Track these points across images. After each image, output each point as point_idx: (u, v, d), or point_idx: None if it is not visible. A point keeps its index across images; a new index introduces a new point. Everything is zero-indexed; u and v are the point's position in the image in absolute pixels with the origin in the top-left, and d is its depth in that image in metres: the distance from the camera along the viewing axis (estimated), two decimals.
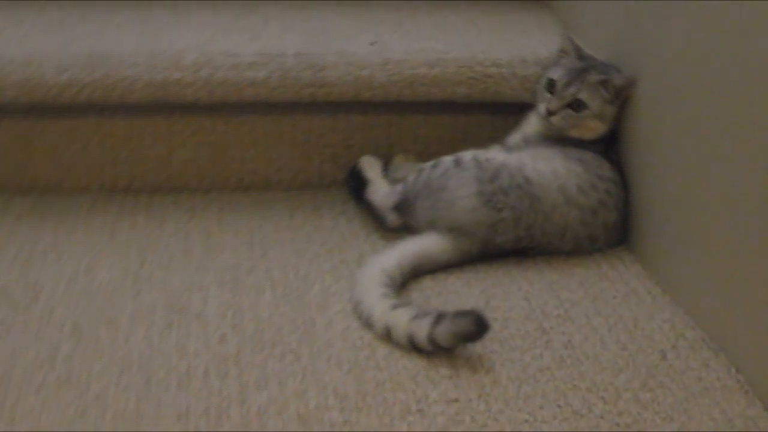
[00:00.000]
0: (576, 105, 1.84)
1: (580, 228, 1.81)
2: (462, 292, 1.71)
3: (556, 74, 1.87)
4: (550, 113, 1.86)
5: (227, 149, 2.04)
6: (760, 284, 1.45)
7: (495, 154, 1.84)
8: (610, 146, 1.89)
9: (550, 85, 1.87)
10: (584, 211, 1.81)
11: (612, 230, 1.85)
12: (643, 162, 1.81)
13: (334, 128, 2.05)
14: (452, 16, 2.24)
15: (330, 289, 1.71)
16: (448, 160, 1.83)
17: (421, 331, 1.52)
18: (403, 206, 1.85)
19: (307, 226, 1.93)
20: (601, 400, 1.45)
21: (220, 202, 2.01)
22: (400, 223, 1.86)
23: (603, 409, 1.43)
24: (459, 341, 1.52)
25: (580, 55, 1.89)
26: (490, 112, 2.07)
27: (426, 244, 1.77)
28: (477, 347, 1.55)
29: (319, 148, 2.05)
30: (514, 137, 1.94)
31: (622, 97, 1.84)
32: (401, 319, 1.55)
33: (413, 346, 1.53)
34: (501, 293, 1.71)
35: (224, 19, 2.16)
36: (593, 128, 1.86)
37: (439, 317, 1.51)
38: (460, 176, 1.79)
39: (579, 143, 1.87)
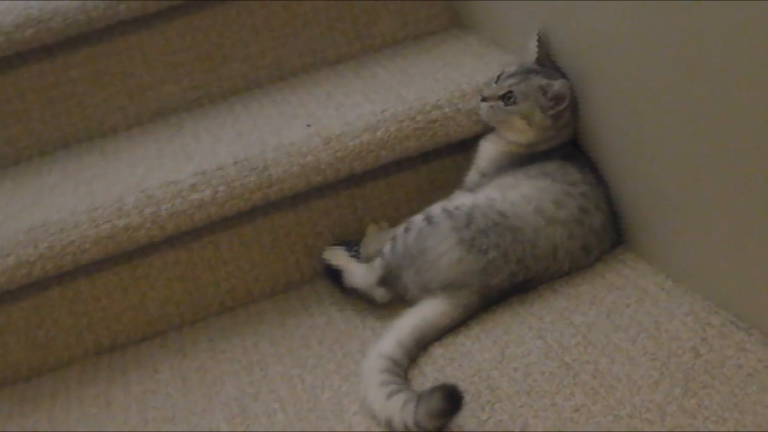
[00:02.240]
0: (508, 97, 1.79)
1: (569, 243, 1.73)
2: (474, 350, 1.62)
3: (508, 67, 1.84)
4: (483, 99, 1.83)
5: (199, 277, 1.96)
6: None
7: (463, 200, 1.76)
8: (572, 152, 1.82)
9: (499, 76, 1.84)
10: (568, 224, 1.73)
11: (603, 233, 1.77)
12: (621, 154, 1.72)
13: (298, 221, 1.97)
14: (379, 69, 2.17)
15: (341, 390, 1.63)
16: (418, 220, 1.76)
17: (410, 417, 1.44)
18: (388, 279, 1.77)
19: (301, 329, 1.84)
20: (647, 422, 1.36)
21: (207, 332, 1.93)
22: (390, 296, 1.79)
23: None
24: (439, 420, 1.43)
25: (540, 59, 1.83)
26: (448, 154, 1.99)
27: (423, 313, 1.68)
28: (505, 405, 1.46)
29: (289, 245, 1.97)
30: (471, 175, 1.87)
31: (556, 108, 1.77)
32: (395, 409, 1.47)
33: None
34: (514, 339, 1.62)
35: (154, 147, 2.09)
36: (519, 129, 1.80)
37: (420, 398, 1.44)
38: (435, 233, 1.72)
39: (534, 158, 1.80)
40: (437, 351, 1.65)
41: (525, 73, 1.81)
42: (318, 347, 1.77)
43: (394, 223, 1.95)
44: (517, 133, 1.81)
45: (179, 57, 2.26)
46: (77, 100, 2.24)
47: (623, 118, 1.68)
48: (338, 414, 1.56)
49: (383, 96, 2.00)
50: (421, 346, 1.65)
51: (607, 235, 1.78)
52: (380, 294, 1.80)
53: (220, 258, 1.96)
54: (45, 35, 2.15)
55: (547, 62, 1.84)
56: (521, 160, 1.81)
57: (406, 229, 1.76)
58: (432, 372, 1.59)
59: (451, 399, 1.42)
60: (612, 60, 1.67)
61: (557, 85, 1.77)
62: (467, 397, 1.49)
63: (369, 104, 1.97)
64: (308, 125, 1.94)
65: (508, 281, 1.71)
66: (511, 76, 1.82)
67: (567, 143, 1.82)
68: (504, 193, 1.75)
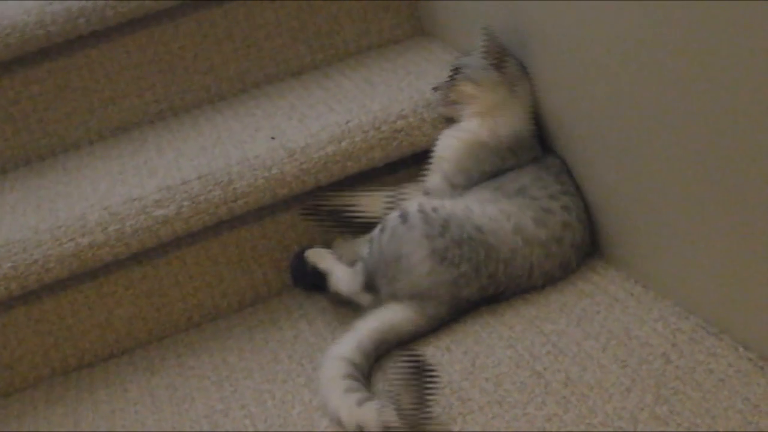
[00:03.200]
0: (454, 73, 1.85)
1: (546, 262, 1.71)
2: (444, 361, 1.61)
3: None
4: (435, 88, 1.90)
5: (165, 292, 1.94)
6: (749, 251, 1.36)
7: (443, 202, 1.74)
8: (543, 154, 1.81)
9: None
10: (548, 244, 1.71)
11: (582, 246, 1.75)
12: (592, 161, 1.72)
13: (265, 235, 1.95)
14: (343, 79, 2.16)
15: (311, 404, 1.61)
16: (393, 217, 1.73)
17: (390, 414, 1.43)
18: (370, 283, 1.75)
19: (270, 343, 1.82)
20: (620, 430, 1.35)
21: (176, 348, 1.91)
22: (373, 299, 1.77)
23: None
24: (417, 395, 1.41)
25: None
26: (415, 163, 1.98)
27: (387, 316, 1.66)
28: (477, 416, 1.45)
29: (256, 259, 1.96)
30: (434, 180, 1.84)
31: (498, 59, 1.80)
32: (370, 415, 1.46)
33: None
34: (484, 349, 1.61)
35: (117, 162, 2.07)
36: (470, 94, 1.82)
37: (396, 395, 1.44)
38: (410, 237, 1.69)
39: (504, 160, 1.79)
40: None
41: (469, 52, 1.87)
42: (287, 361, 1.75)
43: (359, 235, 1.94)
44: (471, 101, 1.82)
45: (141, 70, 2.24)
46: (38, 116, 2.21)
47: (595, 125, 1.68)
48: (309, 428, 1.55)
49: (347, 106, 1.99)
50: (380, 351, 1.63)
51: (585, 247, 1.76)
52: (366, 299, 1.76)
53: (186, 273, 1.94)
54: (2, 51, 2.12)
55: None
56: (489, 160, 1.79)
57: (382, 229, 1.74)
58: None
59: (415, 362, 1.43)
60: (581, 66, 1.67)
61: (483, 36, 1.81)
62: (438, 410, 1.49)
63: (333, 115, 1.96)
64: (272, 137, 1.93)
65: (478, 294, 1.70)
66: (457, 58, 1.90)
67: (533, 141, 1.81)
68: (483, 206, 1.72)
